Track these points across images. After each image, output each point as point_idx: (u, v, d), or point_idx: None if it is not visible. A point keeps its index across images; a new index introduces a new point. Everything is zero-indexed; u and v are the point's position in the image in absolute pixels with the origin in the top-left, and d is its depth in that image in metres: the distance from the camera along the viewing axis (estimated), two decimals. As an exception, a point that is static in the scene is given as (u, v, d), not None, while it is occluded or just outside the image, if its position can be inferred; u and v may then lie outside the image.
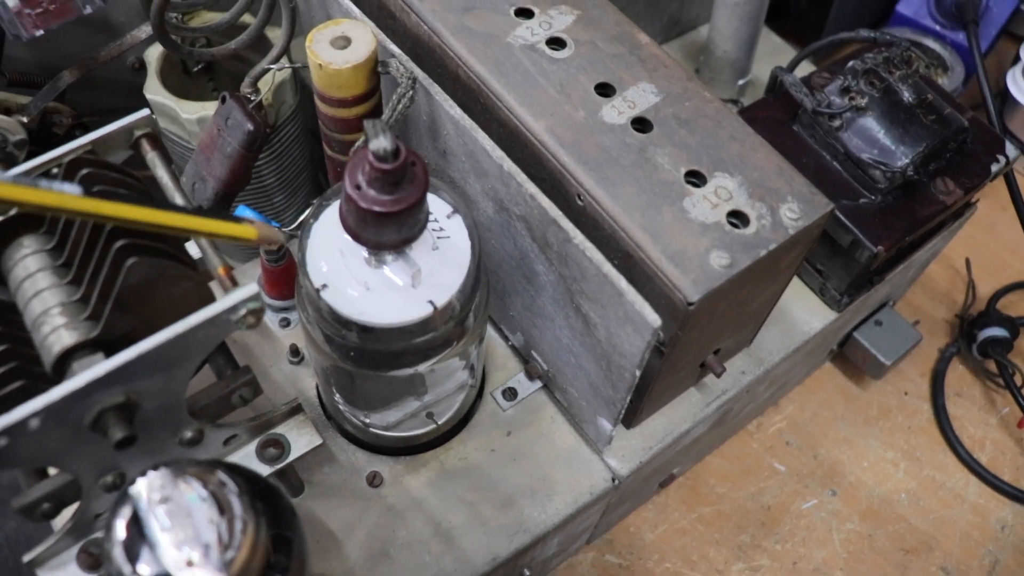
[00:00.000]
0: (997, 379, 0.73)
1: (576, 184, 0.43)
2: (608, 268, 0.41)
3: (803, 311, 0.60)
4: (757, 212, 0.42)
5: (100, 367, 0.32)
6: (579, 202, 0.43)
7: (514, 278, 0.50)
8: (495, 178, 0.45)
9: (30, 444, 0.32)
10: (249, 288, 0.34)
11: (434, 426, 0.51)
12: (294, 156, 0.62)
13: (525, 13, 0.48)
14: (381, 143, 0.34)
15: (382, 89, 0.48)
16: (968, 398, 0.73)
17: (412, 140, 0.52)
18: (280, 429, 0.44)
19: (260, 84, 0.52)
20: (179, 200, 0.42)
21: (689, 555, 0.64)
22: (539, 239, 0.45)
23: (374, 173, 0.35)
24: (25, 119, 0.55)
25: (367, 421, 0.51)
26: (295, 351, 0.55)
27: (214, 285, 0.39)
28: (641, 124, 0.44)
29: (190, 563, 0.28)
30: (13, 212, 0.37)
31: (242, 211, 0.47)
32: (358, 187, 0.36)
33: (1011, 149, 0.58)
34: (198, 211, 0.34)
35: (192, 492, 0.29)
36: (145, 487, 0.29)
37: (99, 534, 0.40)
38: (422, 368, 0.43)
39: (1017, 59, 0.85)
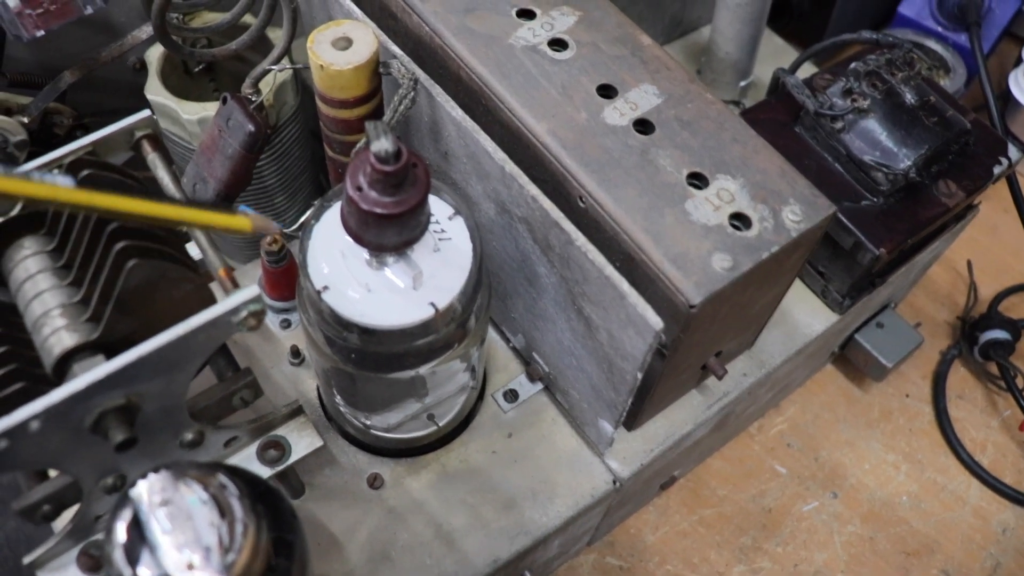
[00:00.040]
0: (999, 381, 0.73)
1: (578, 186, 0.42)
2: (610, 270, 0.41)
3: (805, 313, 0.59)
4: (759, 214, 0.42)
5: (101, 369, 0.32)
6: (581, 204, 0.43)
7: (516, 280, 0.50)
8: (497, 180, 0.45)
9: (30, 446, 0.32)
10: (250, 290, 0.34)
11: (435, 428, 0.51)
12: (295, 157, 0.62)
13: (527, 14, 0.48)
14: (382, 144, 0.34)
15: (383, 90, 0.48)
16: (970, 400, 0.73)
17: (414, 142, 0.52)
18: (281, 431, 0.44)
19: (261, 85, 0.52)
20: (180, 201, 0.42)
21: (690, 557, 0.64)
22: (541, 241, 0.45)
23: (375, 175, 0.35)
24: (26, 120, 0.55)
25: (368, 423, 0.50)
26: (296, 352, 0.55)
27: (215, 287, 0.39)
28: (643, 126, 0.44)
29: (191, 566, 0.28)
30: (14, 213, 0.37)
31: (242, 211, 0.46)
32: (359, 189, 0.35)
33: (1013, 151, 0.58)
34: (192, 202, 0.34)
35: (193, 495, 0.29)
36: (146, 489, 0.29)
37: (99, 536, 0.40)
38: (423, 370, 0.43)
39: (1019, 61, 0.85)
